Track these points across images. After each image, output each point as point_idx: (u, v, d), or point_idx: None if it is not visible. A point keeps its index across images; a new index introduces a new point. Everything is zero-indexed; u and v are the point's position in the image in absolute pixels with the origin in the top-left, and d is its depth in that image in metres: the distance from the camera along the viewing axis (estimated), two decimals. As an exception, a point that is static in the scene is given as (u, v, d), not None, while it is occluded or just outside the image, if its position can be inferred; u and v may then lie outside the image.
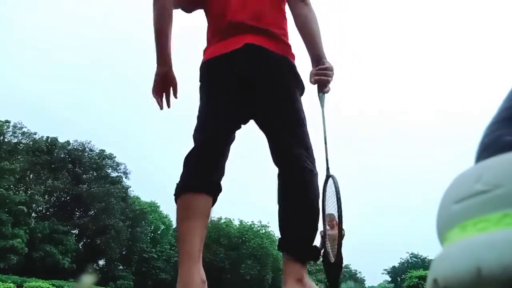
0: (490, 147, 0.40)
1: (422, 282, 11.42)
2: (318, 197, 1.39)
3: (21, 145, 28.60)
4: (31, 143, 29.11)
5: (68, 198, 30.92)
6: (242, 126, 1.53)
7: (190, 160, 1.39)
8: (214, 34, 1.55)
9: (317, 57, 1.50)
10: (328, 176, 1.48)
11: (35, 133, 29.77)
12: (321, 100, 1.55)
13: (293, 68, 1.50)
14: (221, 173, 1.43)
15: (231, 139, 1.48)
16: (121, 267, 33.26)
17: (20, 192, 25.88)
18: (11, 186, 25.28)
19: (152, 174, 71.33)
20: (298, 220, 1.33)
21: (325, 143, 1.48)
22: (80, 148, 32.38)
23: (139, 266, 34.34)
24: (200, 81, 1.55)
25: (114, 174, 33.75)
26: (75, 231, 29.91)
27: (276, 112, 1.42)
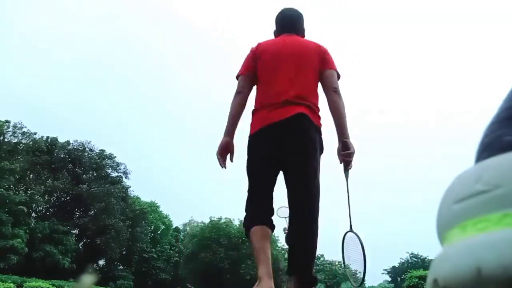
0: (490, 147, 0.40)
1: (422, 282, 11.42)
2: (317, 237, 1.84)
3: (21, 145, 28.56)
4: (31, 143, 29.07)
5: (68, 198, 30.91)
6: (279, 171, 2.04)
7: (248, 206, 1.99)
8: (269, 104, 2.01)
9: (342, 136, 2.02)
10: (350, 231, 2.05)
11: (35, 133, 29.75)
12: (346, 176, 2.04)
13: (321, 134, 2.03)
14: (272, 212, 1.97)
15: (274, 183, 2.02)
16: (121, 267, 33.27)
17: (20, 192, 25.86)
18: (11, 186, 25.25)
19: (152, 174, 71.36)
20: (305, 260, 1.81)
21: (349, 205, 2.04)
22: (80, 148, 32.35)
23: (139, 266, 34.34)
24: (254, 138, 2.04)
25: (114, 174, 33.73)
26: (75, 231, 29.89)
27: (303, 169, 1.91)
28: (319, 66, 2.07)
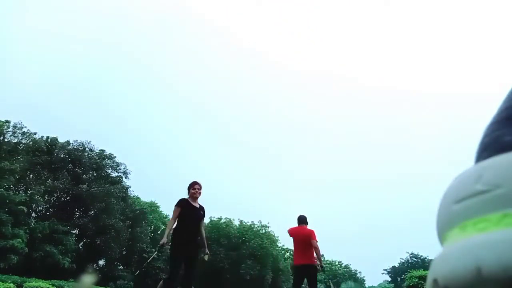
0: (490, 147, 0.40)
1: (422, 282, 11.43)
2: None
3: (21, 145, 28.52)
4: (31, 143, 29.03)
5: (68, 198, 30.88)
6: None
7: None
8: (296, 252, 6.13)
9: (320, 261, 6.16)
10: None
11: (35, 133, 29.69)
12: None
13: (316, 267, 6.07)
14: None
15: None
16: (121, 267, 33.25)
17: (20, 192, 25.84)
18: (11, 186, 25.24)
19: (152, 174, 71.35)
20: None
21: None
22: (80, 148, 32.32)
23: (139, 266, 34.30)
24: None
25: (114, 174, 33.68)
26: (75, 231, 29.85)
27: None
28: (312, 239, 5.90)
